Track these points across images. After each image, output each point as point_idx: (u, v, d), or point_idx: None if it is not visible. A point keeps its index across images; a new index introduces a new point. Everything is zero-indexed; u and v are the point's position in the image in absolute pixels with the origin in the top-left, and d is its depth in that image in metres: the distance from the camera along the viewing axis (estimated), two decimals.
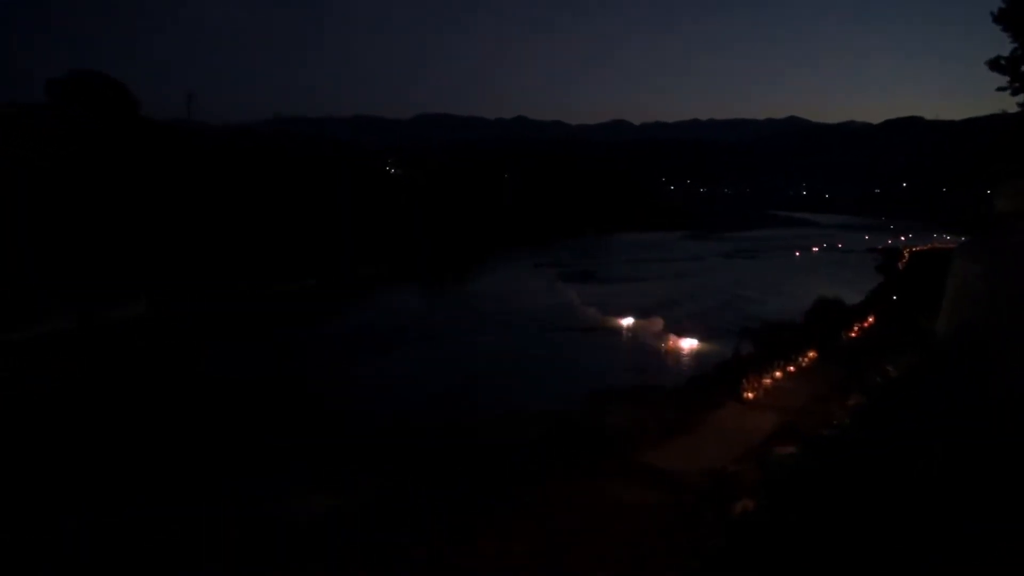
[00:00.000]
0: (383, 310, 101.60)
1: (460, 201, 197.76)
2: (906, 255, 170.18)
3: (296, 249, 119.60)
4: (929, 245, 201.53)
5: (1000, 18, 40.85)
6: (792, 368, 57.62)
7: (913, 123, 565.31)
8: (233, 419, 49.84)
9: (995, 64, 42.07)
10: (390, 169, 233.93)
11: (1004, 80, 41.98)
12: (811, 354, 62.43)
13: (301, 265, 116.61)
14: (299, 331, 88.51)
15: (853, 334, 77.28)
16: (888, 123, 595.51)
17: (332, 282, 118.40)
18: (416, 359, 74.15)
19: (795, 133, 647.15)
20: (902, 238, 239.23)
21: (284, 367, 67.66)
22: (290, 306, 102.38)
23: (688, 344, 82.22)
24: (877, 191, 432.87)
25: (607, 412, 49.04)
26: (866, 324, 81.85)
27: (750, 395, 50.48)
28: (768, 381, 53.39)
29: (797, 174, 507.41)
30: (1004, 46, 41.16)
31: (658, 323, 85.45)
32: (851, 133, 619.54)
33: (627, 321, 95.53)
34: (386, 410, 55.00)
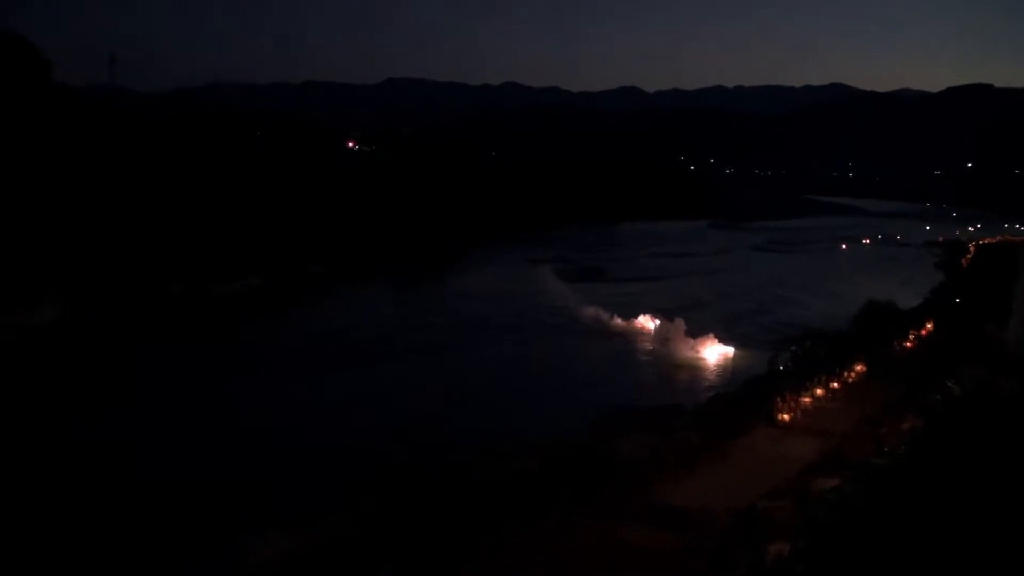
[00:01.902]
0: (344, 316, 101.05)
1: (438, 183, 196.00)
2: (971, 249, 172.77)
3: (238, 241, 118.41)
4: (999, 237, 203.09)
5: None
6: (836, 384, 58.73)
7: (981, 91, 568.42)
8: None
9: None
10: (353, 145, 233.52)
11: None
12: (859, 367, 63.38)
13: (244, 260, 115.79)
14: (246, 342, 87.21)
15: (908, 343, 77.82)
16: (950, 91, 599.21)
17: (281, 281, 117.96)
18: (385, 376, 73.55)
19: (839, 103, 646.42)
20: (970, 228, 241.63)
21: (226, 392, 66.96)
22: (232, 311, 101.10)
23: (713, 354, 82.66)
24: (937, 173, 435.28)
25: (616, 438, 49.11)
26: (924, 332, 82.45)
27: (786, 417, 51.05)
28: (807, 400, 54.33)
29: (841, 152, 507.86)
30: None
31: (676, 330, 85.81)
32: (906, 103, 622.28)
33: (640, 327, 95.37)
34: (352, 440, 55.04)
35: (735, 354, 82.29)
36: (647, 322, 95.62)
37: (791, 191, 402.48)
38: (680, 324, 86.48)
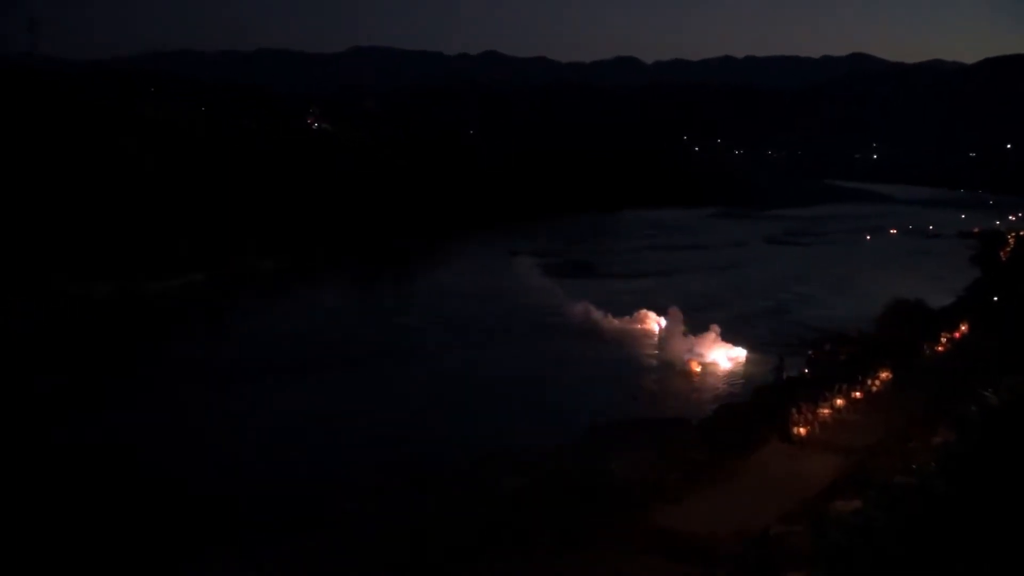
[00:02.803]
0: (297, 317, 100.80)
1: (409, 166, 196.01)
2: (1011, 241, 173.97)
3: (177, 233, 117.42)
4: None
5: None
6: (858, 394, 58.83)
7: (1022, 63, 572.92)
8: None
9: None
10: (311, 123, 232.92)
11: None
12: (884, 374, 63.50)
13: (184, 254, 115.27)
14: (180, 347, 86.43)
15: (940, 347, 78.27)
16: (988, 62, 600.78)
17: (226, 277, 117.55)
18: (344, 386, 73.38)
19: (862, 76, 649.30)
20: (1010, 217, 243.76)
21: (161, 412, 66.52)
22: (168, 311, 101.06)
23: (722, 359, 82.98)
24: (973, 155, 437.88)
25: (611, 455, 49.21)
26: (957, 334, 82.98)
27: (802, 431, 51.16)
28: (826, 411, 54.40)
29: (865, 132, 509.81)
30: None
31: (680, 331, 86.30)
32: (937, 76, 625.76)
33: (639, 328, 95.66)
34: (302, 463, 54.89)
35: (747, 358, 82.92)
36: (646, 323, 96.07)
37: (809, 175, 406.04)
38: (683, 325, 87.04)
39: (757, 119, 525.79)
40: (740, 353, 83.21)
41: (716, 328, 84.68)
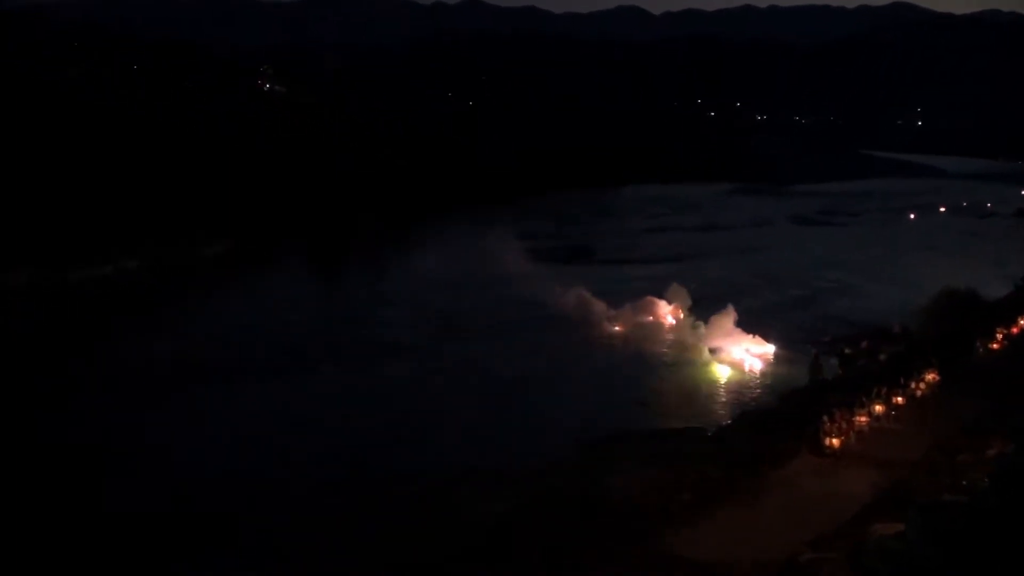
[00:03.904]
0: (245, 311, 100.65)
1: (376, 132, 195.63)
2: None
3: (108, 214, 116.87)
4: None
5: None
6: (901, 399, 57.90)
7: None
8: None
9: None
10: (262, 84, 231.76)
11: None
12: (930, 376, 62.41)
13: (116, 239, 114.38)
14: (104, 347, 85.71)
15: (995, 345, 78.03)
16: None
17: (165, 264, 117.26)
18: (300, 392, 73.03)
19: (905, 29, 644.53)
20: None
21: (64, 420, 66.52)
22: (94, 303, 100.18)
23: (744, 359, 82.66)
24: None
25: (612, 471, 49.16)
26: (1015, 329, 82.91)
27: (835, 442, 50.51)
28: (863, 419, 53.71)
29: (909, 94, 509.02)
30: None
31: (695, 326, 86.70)
32: (994, 29, 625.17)
33: (646, 322, 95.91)
34: (255, 479, 54.88)
35: (773, 356, 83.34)
36: (656, 314, 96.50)
37: (843, 145, 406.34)
38: (690, 313, 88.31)
39: (782, 79, 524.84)
40: (765, 350, 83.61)
41: (734, 318, 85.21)
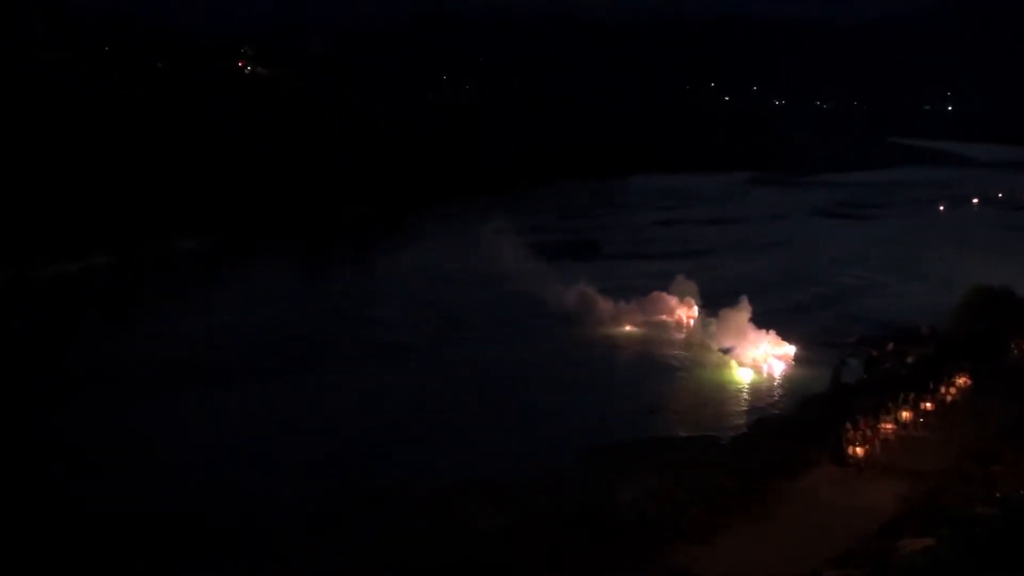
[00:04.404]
0: (223, 310, 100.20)
1: (368, 120, 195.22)
2: None
3: (72, 206, 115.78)
4: None
5: None
6: (930, 404, 56.66)
7: None
8: None
9: None
10: (243, 66, 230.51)
11: None
12: (961, 380, 61.36)
13: (87, 232, 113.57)
14: (73, 348, 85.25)
15: None
16: None
17: (138, 259, 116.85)
18: (281, 398, 72.05)
19: (937, 9, 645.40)
20: None
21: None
22: (62, 301, 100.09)
23: (762, 359, 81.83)
24: None
25: (619, 482, 47.76)
26: None
27: (859, 451, 49.16)
28: (889, 427, 52.56)
29: (941, 78, 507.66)
30: None
31: (707, 325, 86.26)
32: None
33: (657, 321, 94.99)
34: (230, 493, 53.27)
35: (796, 357, 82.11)
36: (667, 312, 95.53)
37: (869, 131, 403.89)
38: (702, 310, 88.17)
39: (804, 62, 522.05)
40: (786, 351, 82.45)
41: (749, 314, 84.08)
